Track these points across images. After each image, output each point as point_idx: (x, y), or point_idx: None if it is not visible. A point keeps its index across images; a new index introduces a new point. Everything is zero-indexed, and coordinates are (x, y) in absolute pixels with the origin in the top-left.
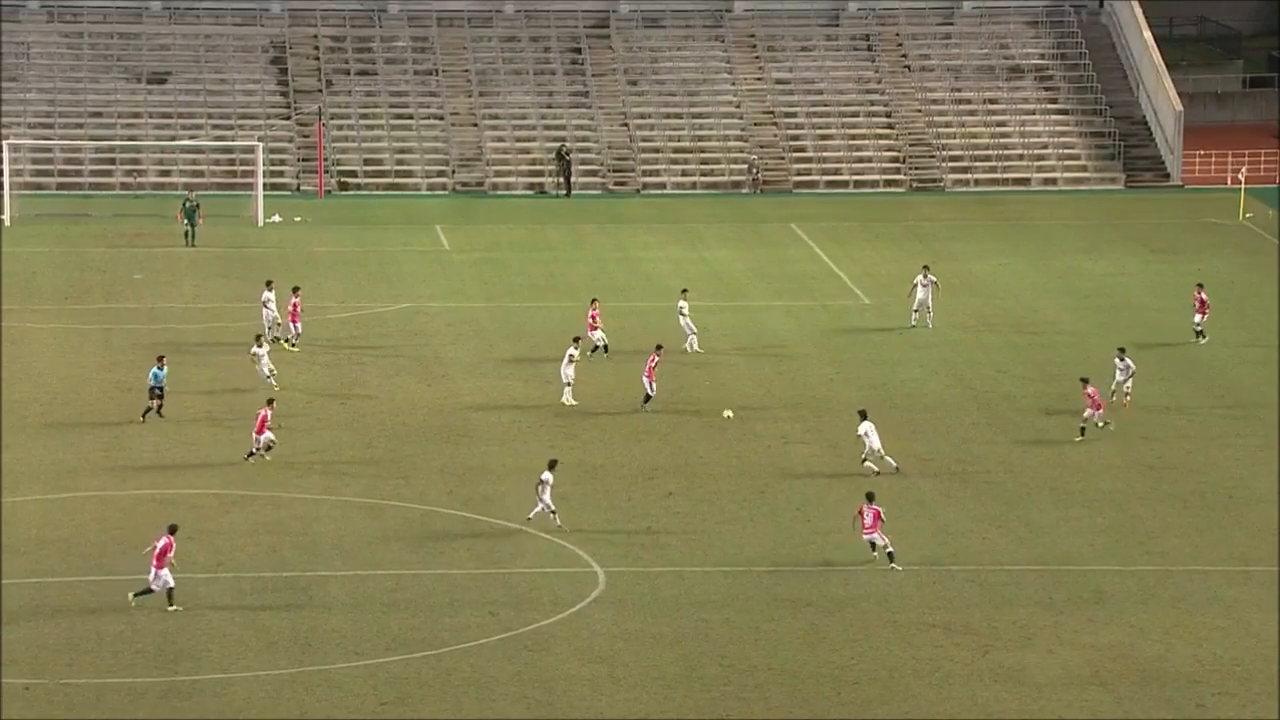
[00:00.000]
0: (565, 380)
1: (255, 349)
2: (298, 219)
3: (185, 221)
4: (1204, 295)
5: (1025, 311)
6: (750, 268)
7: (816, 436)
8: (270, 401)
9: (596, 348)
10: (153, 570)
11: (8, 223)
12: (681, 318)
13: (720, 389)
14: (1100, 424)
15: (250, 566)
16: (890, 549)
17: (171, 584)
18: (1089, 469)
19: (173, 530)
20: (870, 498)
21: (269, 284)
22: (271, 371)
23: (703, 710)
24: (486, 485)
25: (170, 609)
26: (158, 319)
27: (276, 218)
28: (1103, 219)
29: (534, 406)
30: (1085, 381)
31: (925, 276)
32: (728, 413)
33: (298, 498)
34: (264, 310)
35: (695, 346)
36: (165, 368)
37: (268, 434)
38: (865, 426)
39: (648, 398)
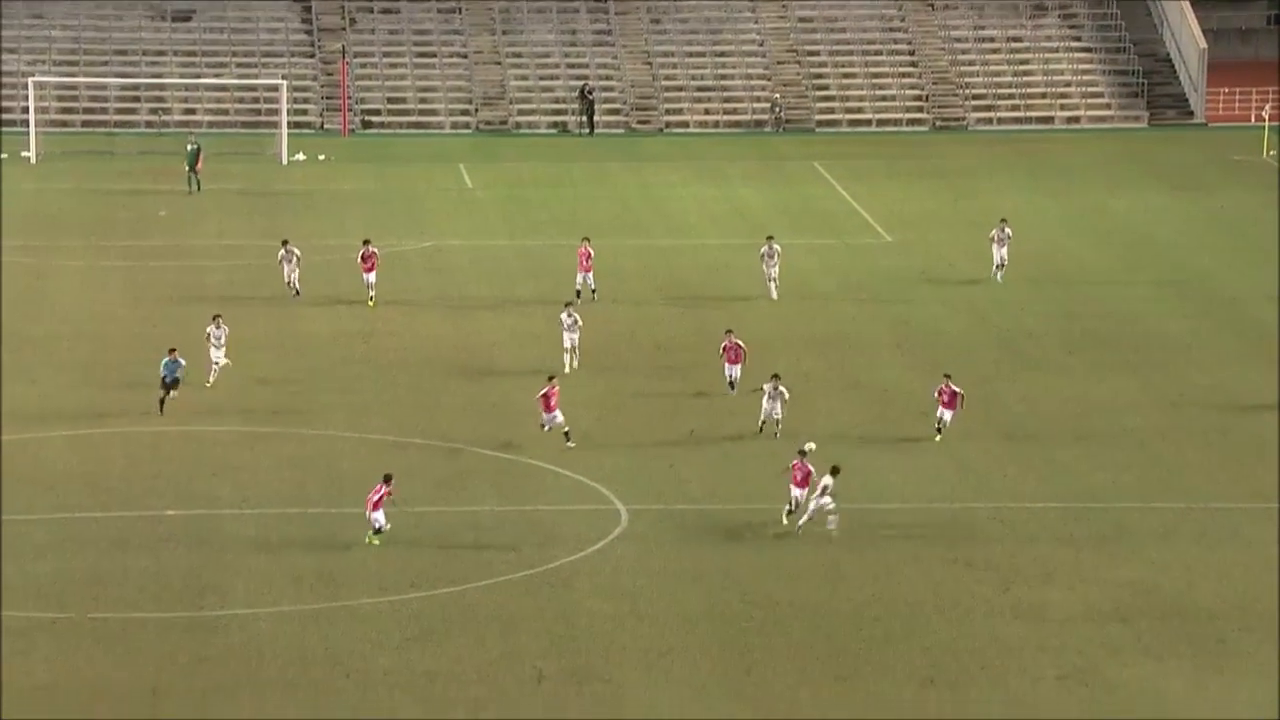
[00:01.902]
0: (566, 346)
1: (211, 328)
2: (321, 157)
3: (187, 167)
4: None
5: (1048, 248)
6: (773, 205)
7: (838, 374)
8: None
9: (589, 290)
10: (370, 514)
11: (33, 160)
12: (768, 264)
13: (742, 327)
14: (939, 428)
15: (276, 503)
16: (810, 512)
17: (386, 526)
18: (1111, 406)
19: (387, 479)
20: (803, 454)
21: (285, 243)
22: (216, 362)
23: (724, 644)
24: (510, 423)
25: (376, 543)
26: (183, 256)
27: (300, 156)
28: (1126, 156)
29: (558, 344)
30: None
31: (1002, 230)
32: (810, 445)
33: (322, 435)
34: (284, 265)
35: (774, 294)
36: (181, 359)
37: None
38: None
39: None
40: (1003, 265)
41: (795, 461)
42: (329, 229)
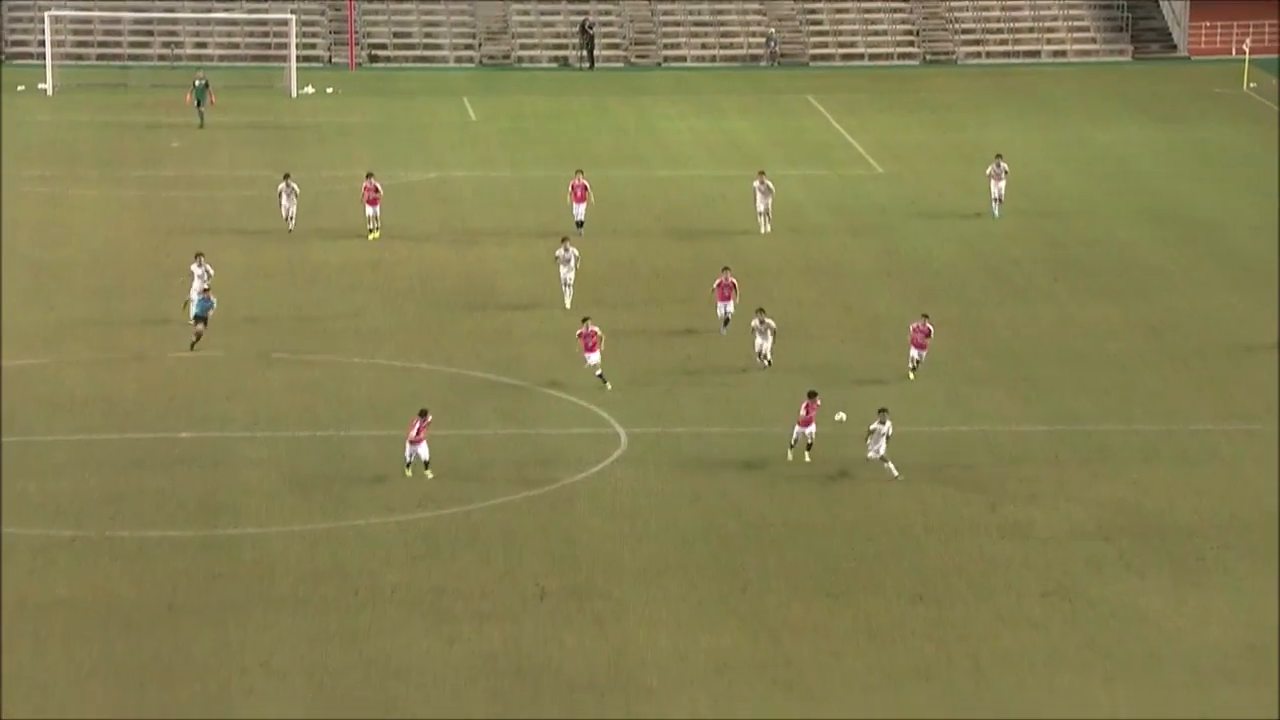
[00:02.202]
0: (564, 281)
1: (195, 267)
2: (329, 90)
3: (194, 102)
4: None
5: (1033, 179)
6: (767, 138)
7: (830, 300)
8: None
9: (580, 223)
10: (409, 447)
11: (50, 92)
12: (760, 198)
13: (737, 256)
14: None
15: (286, 425)
16: (810, 442)
17: (426, 456)
18: (1094, 331)
19: (424, 414)
20: (813, 395)
21: (286, 176)
22: (187, 301)
23: (720, 563)
24: (513, 348)
25: (429, 475)
26: (196, 186)
27: (309, 89)
28: (1110, 89)
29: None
30: (812, 395)
31: (998, 165)
32: (840, 415)
33: (331, 359)
34: (283, 199)
35: (765, 229)
36: (212, 299)
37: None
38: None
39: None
40: (1000, 200)
41: (806, 402)
42: (337, 160)
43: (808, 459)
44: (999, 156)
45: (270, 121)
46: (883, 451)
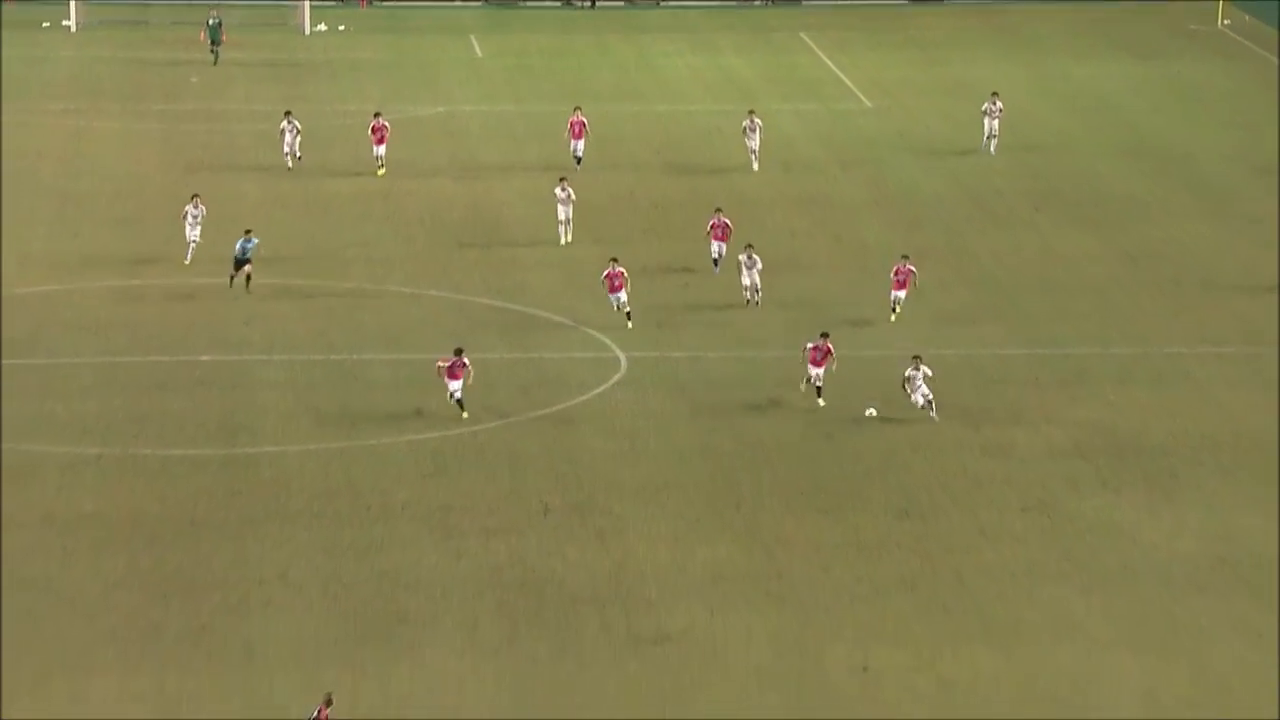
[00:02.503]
0: (561, 219)
1: (190, 208)
2: (341, 28)
3: (209, 40)
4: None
5: (1016, 114)
6: (761, 74)
7: (822, 230)
8: None
9: (577, 158)
10: (450, 382)
11: (73, 28)
12: (750, 136)
13: (731, 188)
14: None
15: (301, 349)
16: (820, 384)
17: (460, 396)
18: (1074, 259)
19: (459, 352)
20: (824, 336)
21: (288, 114)
22: (193, 240)
23: (715, 480)
24: (518, 276)
25: (465, 416)
26: (213, 120)
27: (322, 26)
28: (1090, 27)
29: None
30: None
31: (994, 103)
32: (871, 410)
33: (344, 286)
34: (285, 135)
35: (755, 166)
36: (254, 239)
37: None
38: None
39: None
40: (993, 136)
41: (814, 343)
42: (349, 95)
43: (821, 403)
44: (994, 95)
45: (284, 59)
46: (929, 395)
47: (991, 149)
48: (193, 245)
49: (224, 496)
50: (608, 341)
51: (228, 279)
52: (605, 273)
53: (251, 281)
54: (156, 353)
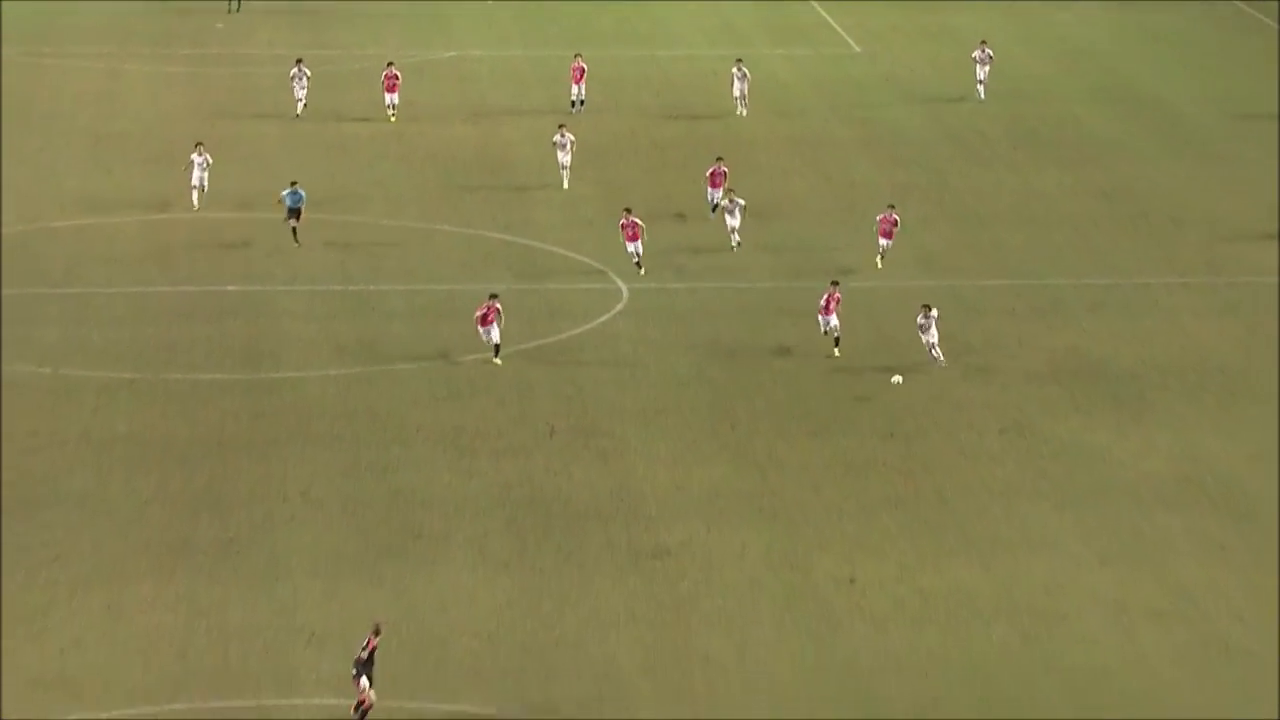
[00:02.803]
0: (562, 164)
1: (195, 156)
2: None
3: None
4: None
5: (997, 57)
6: (756, 20)
7: (812, 169)
8: None
9: (577, 102)
10: (480, 329)
11: None
12: (738, 83)
13: (726, 129)
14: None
15: (322, 280)
16: (837, 334)
17: (497, 340)
18: (1051, 195)
19: (493, 296)
20: (836, 284)
21: (299, 61)
22: (198, 185)
23: (711, 405)
24: (525, 212)
25: (495, 361)
26: (238, 64)
27: None
28: None
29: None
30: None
31: (983, 50)
32: (896, 378)
33: (361, 221)
34: (295, 83)
35: (741, 111)
36: (301, 190)
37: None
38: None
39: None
40: (983, 83)
41: (827, 292)
42: (367, 40)
43: (836, 353)
44: (983, 42)
45: (304, 6)
46: (935, 340)
47: (981, 94)
48: (197, 191)
49: (249, 419)
50: (610, 273)
51: (290, 231)
52: (621, 222)
53: (298, 233)
54: (185, 284)
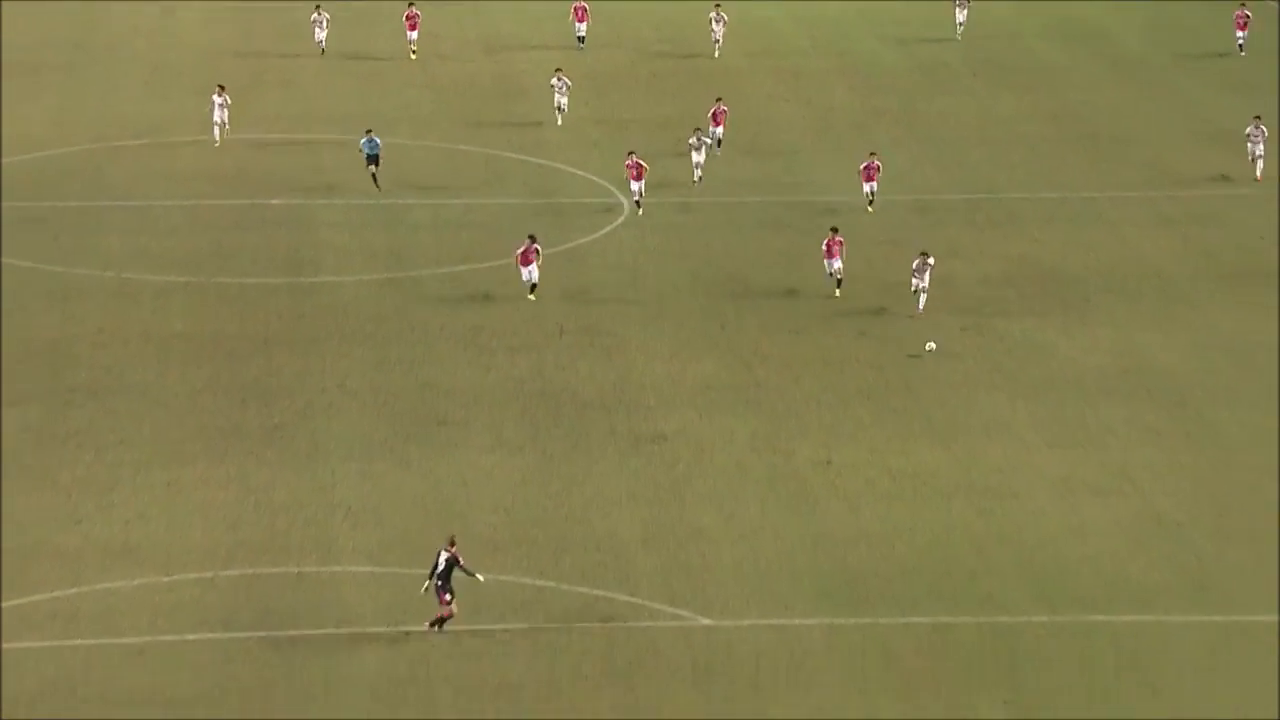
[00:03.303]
0: (557, 106)
1: (215, 98)
2: None
3: None
4: None
5: None
6: None
7: (795, 95)
8: None
9: (580, 39)
10: (522, 269)
11: None
12: (716, 27)
13: (720, 64)
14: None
15: (355, 194)
16: (840, 276)
17: (535, 280)
18: (1009, 118)
19: (532, 238)
20: (835, 230)
21: (318, 7)
22: (219, 122)
23: (704, 308)
24: (538, 134)
25: (530, 297)
26: (279, 1)
27: None
28: None
29: (576, 73)
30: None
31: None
32: (930, 345)
33: (389, 141)
34: (315, 28)
35: (717, 54)
36: (377, 139)
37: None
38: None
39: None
40: (963, 24)
41: (827, 239)
42: None
43: (838, 294)
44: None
45: None
46: (925, 285)
47: (959, 35)
48: (218, 128)
49: (291, 319)
50: (613, 189)
51: (370, 178)
52: (626, 163)
53: (374, 180)
54: (233, 197)
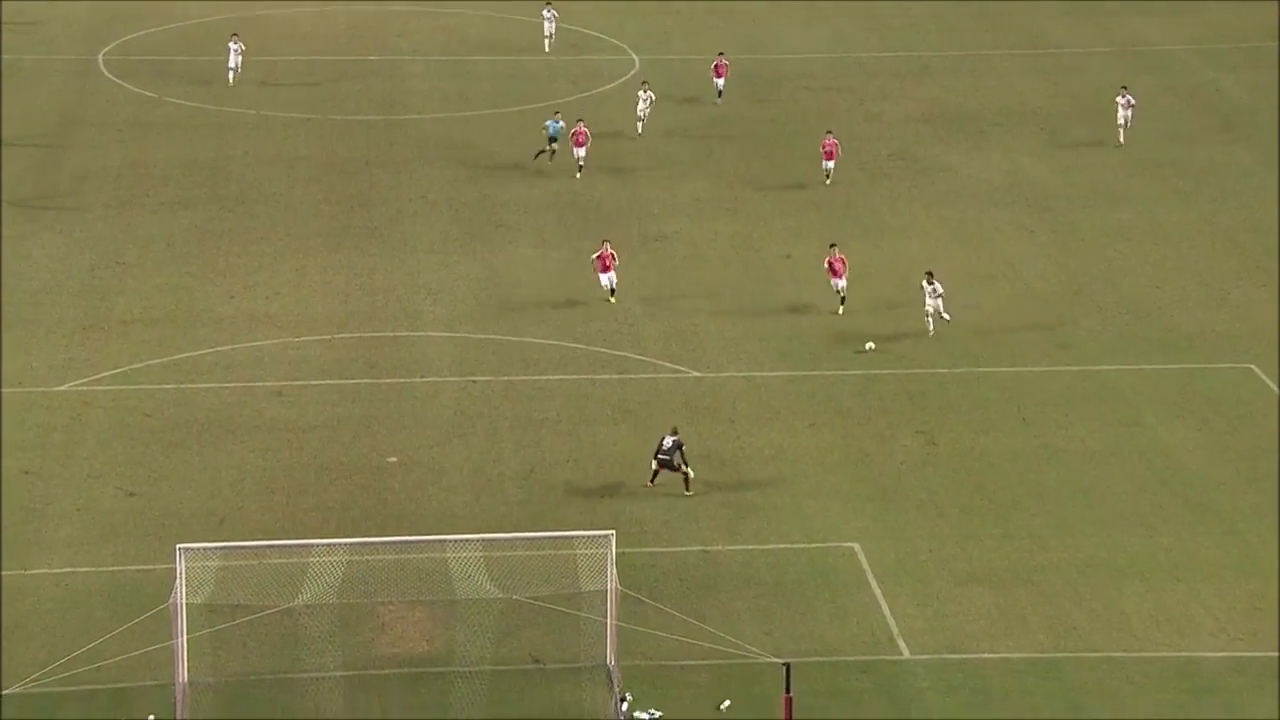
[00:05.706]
0: (546, 34)
1: (231, 44)
2: None
3: None
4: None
5: None
6: None
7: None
8: None
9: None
10: (599, 275)
11: None
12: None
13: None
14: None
15: (434, 52)
16: (844, 295)
17: (613, 285)
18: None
19: (606, 241)
20: (834, 247)
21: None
22: (234, 67)
23: (697, 145)
24: (565, 6)
25: (611, 300)
26: None
27: None
28: None
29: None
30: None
31: None
32: (869, 345)
33: (455, 11)
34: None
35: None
36: (560, 120)
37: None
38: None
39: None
40: None
41: (829, 256)
42: None
43: (840, 312)
44: None
45: None
46: (942, 309)
47: None
48: (232, 72)
49: (385, 146)
50: (626, 48)
51: (547, 155)
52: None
53: (550, 156)
54: (340, 54)
